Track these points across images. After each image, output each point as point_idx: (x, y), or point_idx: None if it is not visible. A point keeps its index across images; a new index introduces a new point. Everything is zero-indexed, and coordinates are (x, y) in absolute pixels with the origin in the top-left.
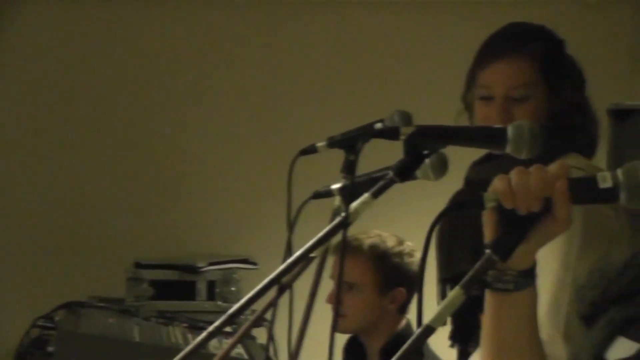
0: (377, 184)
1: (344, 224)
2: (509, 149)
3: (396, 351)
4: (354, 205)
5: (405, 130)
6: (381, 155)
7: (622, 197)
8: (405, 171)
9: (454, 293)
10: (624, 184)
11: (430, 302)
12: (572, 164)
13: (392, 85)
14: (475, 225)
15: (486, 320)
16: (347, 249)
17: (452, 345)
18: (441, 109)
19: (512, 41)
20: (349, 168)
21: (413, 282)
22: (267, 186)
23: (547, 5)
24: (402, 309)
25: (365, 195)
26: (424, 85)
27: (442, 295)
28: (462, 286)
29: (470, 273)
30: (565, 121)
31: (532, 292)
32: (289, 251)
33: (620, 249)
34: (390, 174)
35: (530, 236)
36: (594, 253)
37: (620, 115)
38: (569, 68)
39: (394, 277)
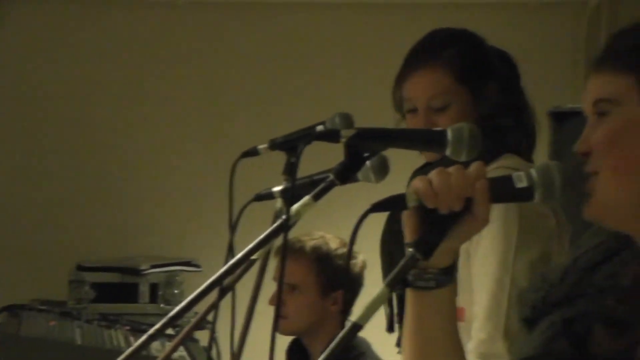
0: (318, 186)
1: (285, 226)
2: (448, 151)
3: (339, 354)
4: (295, 207)
5: (346, 133)
6: (324, 157)
7: (537, 195)
8: (345, 173)
9: (380, 291)
10: (538, 182)
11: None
12: (507, 164)
13: (333, 88)
14: None
15: (408, 319)
16: (290, 250)
17: (400, 352)
18: (383, 111)
19: (428, 51)
20: (290, 170)
21: (355, 284)
22: (209, 188)
23: (488, 9)
24: (345, 312)
25: (306, 198)
26: (366, 87)
27: (388, 299)
28: (387, 284)
29: (395, 271)
30: (496, 123)
31: (452, 289)
32: (230, 253)
33: (561, 250)
34: (331, 176)
35: (451, 234)
36: (531, 252)
37: (560, 117)
38: (492, 70)
39: (336, 279)
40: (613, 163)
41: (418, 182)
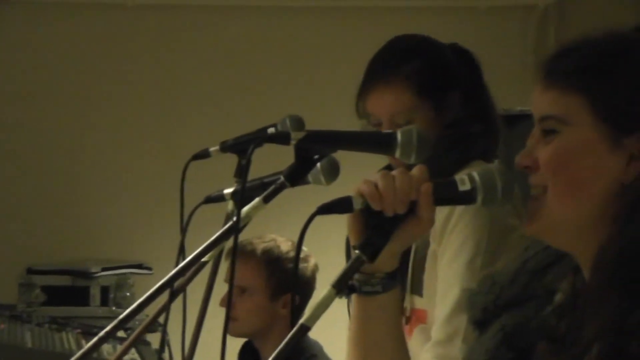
0: (268, 188)
1: (236, 229)
2: (398, 154)
3: (288, 356)
4: (245, 209)
5: (296, 135)
6: (276, 159)
7: (479, 199)
8: (296, 176)
9: (326, 293)
10: (480, 186)
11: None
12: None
13: (285, 90)
14: None
15: (354, 324)
16: (241, 253)
17: None
18: (336, 114)
19: (387, 67)
20: (241, 172)
21: (306, 288)
22: (160, 191)
23: (440, 13)
24: (296, 314)
25: (256, 200)
26: (317, 89)
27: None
28: (334, 285)
29: (341, 273)
30: (461, 130)
31: (397, 293)
32: (181, 255)
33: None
34: (281, 178)
35: (395, 237)
36: (497, 263)
37: (510, 120)
38: (454, 78)
39: (286, 281)
40: (561, 185)
41: (363, 185)
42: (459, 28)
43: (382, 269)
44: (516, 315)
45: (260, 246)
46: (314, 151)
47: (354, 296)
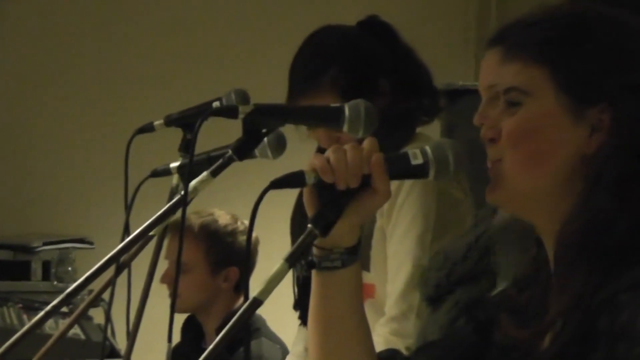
0: (215, 162)
1: (183, 202)
2: (346, 127)
3: (239, 330)
4: (193, 183)
5: (244, 109)
6: (222, 133)
7: (431, 172)
8: (244, 150)
9: (279, 266)
10: (432, 160)
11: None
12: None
13: (229, 64)
14: None
15: (314, 300)
16: (179, 229)
17: (302, 324)
18: (279, 87)
19: (309, 77)
20: (186, 147)
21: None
22: (104, 165)
23: None
24: (238, 288)
25: (204, 174)
26: (262, 63)
27: (298, 279)
28: (286, 260)
29: (294, 247)
30: (398, 110)
31: (357, 268)
32: (126, 230)
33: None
34: (229, 152)
35: (351, 211)
36: (446, 236)
37: (451, 95)
38: (379, 66)
39: (226, 256)
40: (523, 155)
41: (316, 160)
42: (401, 4)
43: (341, 244)
44: (469, 290)
45: (197, 221)
46: (262, 125)
47: (313, 272)
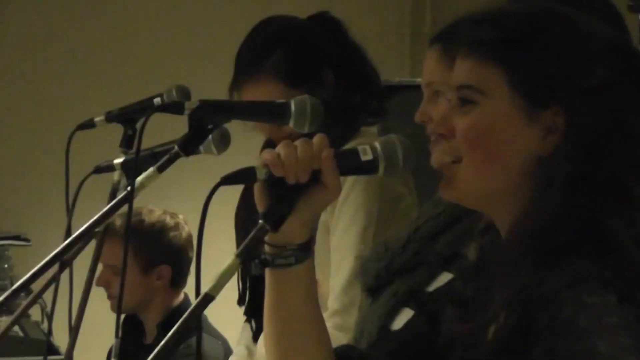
0: (160, 158)
1: (130, 198)
2: (292, 123)
3: (174, 324)
4: (139, 179)
5: (190, 105)
6: (163, 129)
7: (381, 168)
8: (190, 145)
9: (230, 262)
10: (382, 156)
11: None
12: (363, 141)
13: (169, 60)
14: None
15: (269, 298)
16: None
17: (247, 321)
18: (220, 84)
19: (253, 61)
20: (128, 143)
21: (179, 257)
22: (40, 161)
23: None
24: (175, 284)
25: (150, 170)
26: (201, 60)
27: (242, 275)
28: (238, 255)
29: (245, 242)
30: (342, 103)
31: (311, 264)
32: (68, 228)
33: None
34: (175, 148)
35: (303, 206)
36: (389, 231)
37: (389, 91)
38: (323, 57)
39: (156, 254)
40: (477, 157)
41: (266, 154)
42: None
43: (294, 240)
44: (408, 281)
45: (123, 222)
46: (208, 121)
47: (267, 270)
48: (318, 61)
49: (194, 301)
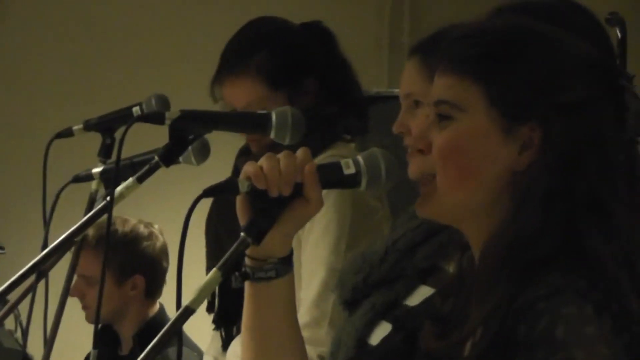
0: (139, 168)
1: (109, 208)
2: (273, 134)
3: (150, 335)
4: (119, 189)
5: (171, 115)
6: (142, 139)
7: (363, 182)
8: (170, 156)
9: (211, 275)
10: (365, 170)
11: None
12: (337, 153)
13: (148, 69)
14: None
15: (248, 311)
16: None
17: (216, 329)
18: (198, 93)
19: (238, 57)
20: (106, 152)
21: (153, 267)
22: (15, 169)
23: None
24: (150, 294)
25: (130, 180)
26: (180, 69)
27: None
28: (219, 268)
29: (226, 255)
30: (320, 113)
31: (291, 278)
32: (46, 237)
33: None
34: (156, 158)
35: (285, 220)
36: (361, 244)
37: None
38: (309, 64)
39: (129, 265)
40: (452, 173)
41: (249, 167)
42: (315, 8)
43: (275, 254)
44: (386, 294)
45: (94, 233)
46: (188, 131)
47: (246, 284)
48: (303, 67)
49: (172, 313)
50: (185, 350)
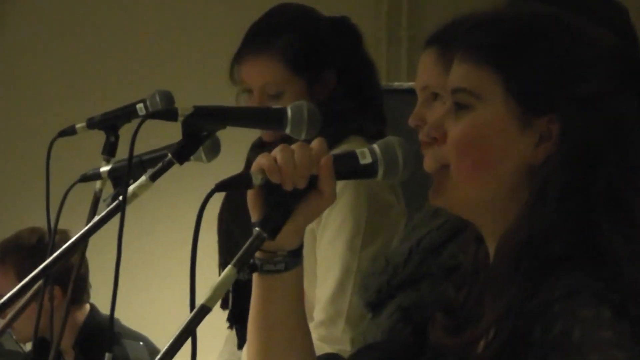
0: (148, 165)
1: (122, 208)
2: (288, 130)
3: (89, 342)
4: (132, 188)
5: (184, 112)
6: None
7: (380, 172)
8: (184, 153)
9: (227, 272)
10: (381, 159)
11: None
12: (350, 147)
13: (151, 65)
14: None
15: (255, 304)
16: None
17: (230, 327)
18: (204, 89)
19: (263, 36)
20: (110, 150)
21: (67, 274)
22: (21, 168)
23: None
24: (74, 301)
25: (143, 178)
26: (184, 64)
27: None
28: (234, 264)
29: (241, 251)
30: (335, 107)
31: (300, 271)
32: (53, 239)
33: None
34: (169, 156)
35: (297, 213)
36: (377, 241)
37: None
38: (330, 55)
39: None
40: (470, 163)
41: (263, 159)
42: (312, 2)
43: (285, 247)
44: (411, 294)
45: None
46: (202, 128)
47: (254, 276)
48: (325, 58)
49: (184, 309)
50: (130, 343)
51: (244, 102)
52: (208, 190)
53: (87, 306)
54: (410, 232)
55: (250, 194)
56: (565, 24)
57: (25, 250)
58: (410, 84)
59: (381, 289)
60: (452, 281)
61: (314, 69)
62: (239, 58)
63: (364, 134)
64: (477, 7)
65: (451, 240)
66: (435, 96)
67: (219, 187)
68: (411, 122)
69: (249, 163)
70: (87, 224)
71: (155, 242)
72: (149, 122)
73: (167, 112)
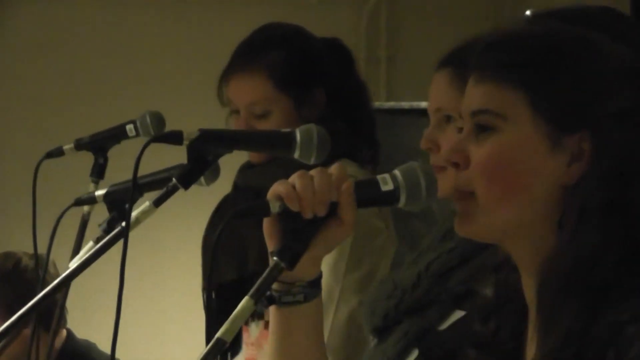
0: (145, 189)
1: (125, 234)
2: (297, 154)
3: None
4: (135, 213)
5: (189, 135)
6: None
7: (402, 198)
8: (189, 177)
9: (243, 304)
10: (403, 185)
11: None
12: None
13: (140, 85)
14: (240, 234)
15: (274, 336)
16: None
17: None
18: (194, 110)
19: (251, 53)
20: (99, 172)
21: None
22: (9, 191)
23: (272, 4)
24: (47, 327)
25: (147, 204)
26: (174, 85)
27: (207, 304)
28: (252, 296)
29: (259, 282)
30: (325, 127)
31: (319, 302)
32: (47, 265)
33: (387, 266)
34: (173, 181)
35: (316, 242)
36: (361, 267)
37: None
38: (320, 74)
39: (15, 303)
40: (499, 188)
41: (280, 187)
42: (291, 21)
43: (303, 277)
44: (418, 320)
45: None
46: (208, 152)
47: (272, 308)
48: (314, 76)
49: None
50: None
51: (232, 124)
52: (199, 212)
53: (64, 332)
54: (419, 256)
55: (266, 222)
56: (588, 40)
57: (0, 275)
58: (391, 103)
59: (388, 313)
60: (477, 313)
61: (302, 87)
62: (226, 76)
63: (355, 157)
64: (460, 30)
65: (461, 266)
66: (448, 119)
67: (236, 215)
68: (423, 145)
69: (236, 186)
70: (74, 248)
71: (152, 270)
72: (137, 144)
73: (171, 136)
